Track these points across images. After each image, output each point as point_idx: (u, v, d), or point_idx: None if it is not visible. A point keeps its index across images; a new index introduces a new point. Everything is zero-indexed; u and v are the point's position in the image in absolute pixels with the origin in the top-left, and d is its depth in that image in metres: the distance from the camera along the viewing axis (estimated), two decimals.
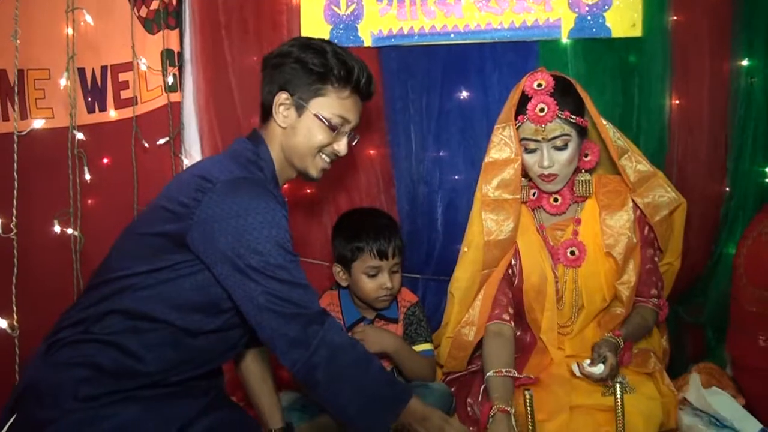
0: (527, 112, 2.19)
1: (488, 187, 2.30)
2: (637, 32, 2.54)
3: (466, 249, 2.37)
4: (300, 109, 1.95)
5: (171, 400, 1.76)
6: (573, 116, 2.18)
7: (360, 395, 1.72)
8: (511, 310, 2.33)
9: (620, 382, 1.89)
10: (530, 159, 2.24)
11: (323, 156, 2.01)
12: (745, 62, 2.54)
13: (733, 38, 2.54)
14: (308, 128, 1.96)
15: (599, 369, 2.05)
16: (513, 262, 2.33)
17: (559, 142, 2.18)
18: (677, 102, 2.57)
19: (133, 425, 1.67)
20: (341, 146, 2.02)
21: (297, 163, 2.00)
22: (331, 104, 1.96)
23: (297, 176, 2.06)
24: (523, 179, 2.30)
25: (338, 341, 1.73)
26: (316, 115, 1.94)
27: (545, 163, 2.19)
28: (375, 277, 2.34)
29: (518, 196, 2.28)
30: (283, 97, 1.94)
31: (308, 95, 1.94)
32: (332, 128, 1.96)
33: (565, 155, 2.20)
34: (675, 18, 2.54)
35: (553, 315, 2.28)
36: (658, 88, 2.55)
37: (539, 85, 2.20)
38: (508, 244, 2.29)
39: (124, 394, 1.69)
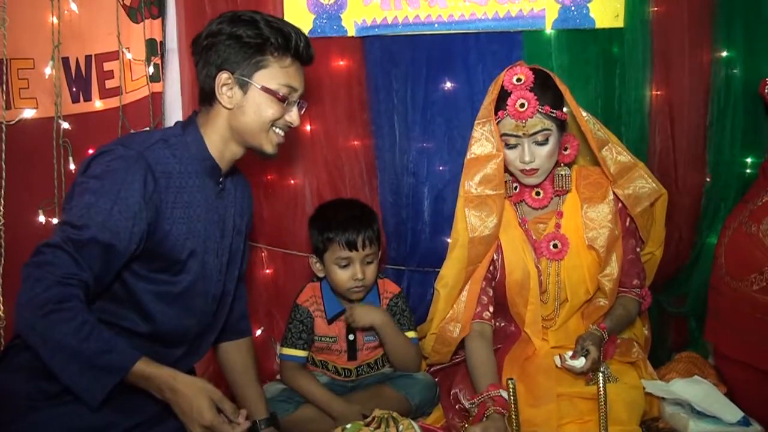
0: (507, 107, 2.18)
1: (471, 184, 2.29)
2: (620, 23, 2.54)
3: (452, 247, 2.36)
4: (244, 86, 1.88)
5: (137, 395, 1.70)
6: (553, 111, 2.17)
7: (73, 363, 1.59)
8: (491, 308, 2.34)
9: (603, 372, 1.90)
10: (511, 154, 2.23)
11: (276, 130, 1.95)
12: (724, 53, 2.55)
13: (713, 29, 2.54)
14: (257, 104, 1.89)
15: (580, 363, 2.06)
16: (495, 257, 2.33)
17: (540, 137, 2.18)
18: (658, 93, 2.58)
19: (97, 421, 1.66)
20: (293, 117, 1.96)
21: (250, 141, 1.94)
22: (275, 74, 1.89)
23: (248, 153, 2.01)
24: (504, 174, 2.29)
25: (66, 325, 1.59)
26: (263, 89, 1.88)
27: (526, 158, 2.19)
28: (346, 268, 2.34)
29: (501, 192, 2.27)
30: (224, 77, 1.86)
31: (250, 70, 1.87)
32: (282, 99, 1.90)
33: (545, 150, 2.19)
34: (655, 9, 2.54)
35: (536, 308, 2.29)
36: (640, 79, 2.56)
37: (518, 79, 2.18)
38: (492, 239, 2.29)
39: None
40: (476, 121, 2.27)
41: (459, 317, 2.32)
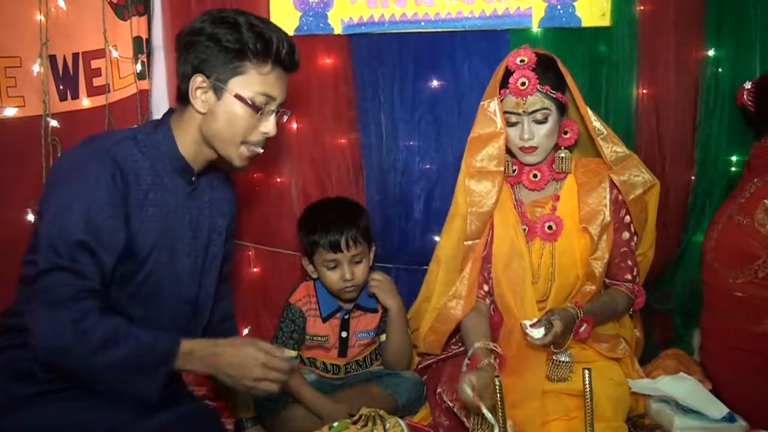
0: (509, 85, 2.25)
1: (473, 160, 2.35)
2: (606, 22, 2.56)
3: (451, 219, 2.42)
4: (218, 91, 1.80)
5: (118, 393, 1.67)
6: (553, 91, 2.23)
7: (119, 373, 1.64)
8: (486, 287, 2.36)
9: (588, 369, 1.90)
10: (512, 132, 2.29)
11: (251, 147, 1.88)
12: (712, 52, 2.56)
13: (700, 28, 2.55)
14: (229, 112, 1.81)
15: (539, 333, 2.03)
16: (487, 234, 2.37)
17: (539, 116, 2.24)
18: (644, 91, 2.59)
19: (70, 418, 1.64)
20: (269, 126, 1.87)
21: (220, 149, 1.88)
22: (252, 82, 1.81)
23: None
24: (505, 155, 2.34)
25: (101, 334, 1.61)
26: (236, 96, 1.80)
27: (525, 136, 2.25)
28: (335, 270, 2.33)
29: (502, 169, 2.32)
30: (198, 80, 1.79)
31: (226, 75, 1.79)
32: (256, 108, 1.81)
33: (544, 129, 2.25)
34: (642, 8, 2.55)
35: (530, 292, 2.29)
36: (626, 77, 2.58)
37: (522, 60, 2.25)
38: (488, 216, 2.34)
39: (63, 394, 1.66)
40: (481, 102, 2.34)
41: (462, 295, 2.32)
